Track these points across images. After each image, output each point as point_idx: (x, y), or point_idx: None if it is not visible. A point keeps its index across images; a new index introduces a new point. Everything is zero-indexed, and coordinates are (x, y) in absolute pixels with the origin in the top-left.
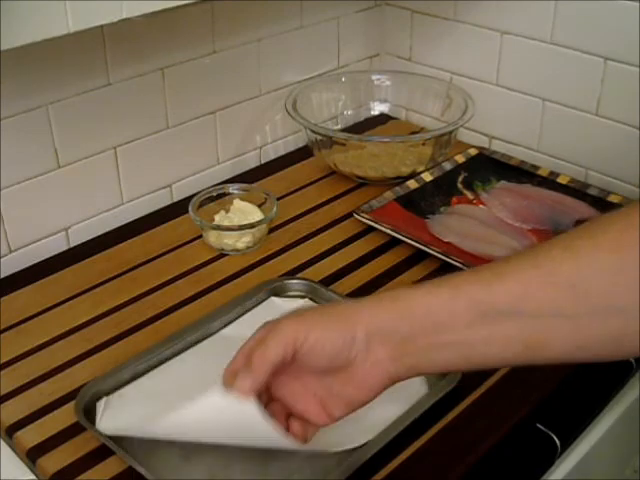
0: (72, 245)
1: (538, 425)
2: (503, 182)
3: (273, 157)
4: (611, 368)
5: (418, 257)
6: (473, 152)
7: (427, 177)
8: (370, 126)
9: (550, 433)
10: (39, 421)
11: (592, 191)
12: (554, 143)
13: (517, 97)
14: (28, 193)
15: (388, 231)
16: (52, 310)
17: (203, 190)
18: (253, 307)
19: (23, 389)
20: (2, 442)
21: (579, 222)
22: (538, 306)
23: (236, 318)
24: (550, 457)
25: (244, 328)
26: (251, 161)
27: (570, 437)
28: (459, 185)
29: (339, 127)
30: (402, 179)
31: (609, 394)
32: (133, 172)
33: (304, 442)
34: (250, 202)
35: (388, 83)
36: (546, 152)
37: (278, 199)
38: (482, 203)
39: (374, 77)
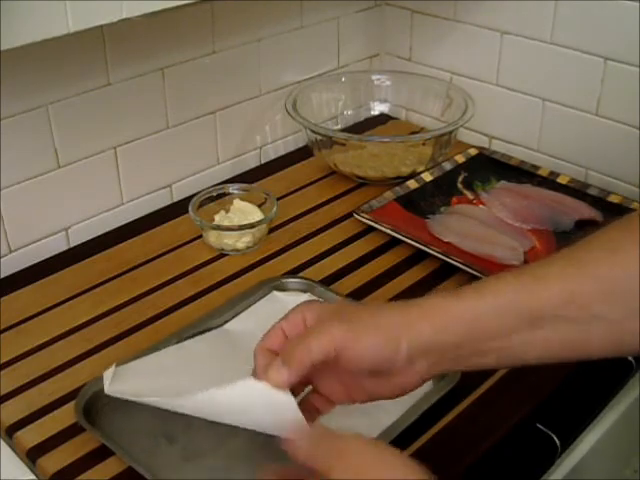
0: (72, 245)
1: (538, 425)
2: (503, 182)
3: (273, 157)
4: (611, 368)
5: (418, 257)
6: (473, 152)
7: (427, 177)
8: (370, 126)
9: (550, 433)
10: (39, 421)
11: (592, 191)
12: (554, 143)
13: (517, 97)
14: (28, 193)
15: (388, 231)
16: (52, 310)
17: (203, 190)
18: (255, 302)
19: (23, 389)
20: (2, 442)
21: (579, 222)
22: (581, 310)
23: (238, 314)
24: (550, 457)
25: (247, 323)
26: (251, 161)
27: (570, 437)
28: (459, 185)
29: (339, 127)
30: (402, 179)
31: (609, 394)
32: (133, 172)
33: (318, 414)
34: (250, 202)
35: (388, 83)
36: (546, 152)
37: (278, 199)
38: (482, 203)
39: (374, 77)
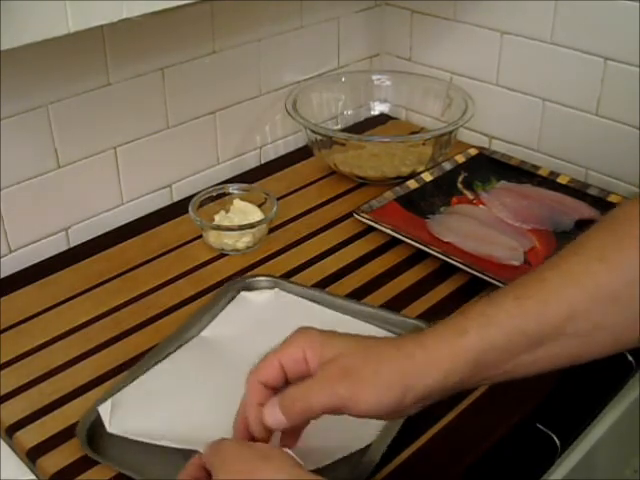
0: (72, 245)
1: (538, 425)
2: (503, 182)
3: (273, 157)
4: (611, 368)
5: (418, 257)
6: (473, 152)
7: (427, 177)
8: (370, 126)
9: (550, 433)
10: (39, 421)
11: (592, 191)
12: (554, 143)
13: (517, 97)
14: (28, 193)
15: (388, 231)
16: (52, 310)
17: (203, 190)
18: (225, 306)
19: (23, 389)
20: (2, 442)
21: (579, 222)
22: (583, 325)
23: (211, 321)
24: (550, 457)
25: (223, 329)
26: (251, 161)
27: (570, 437)
28: (459, 185)
29: (339, 127)
30: (402, 179)
31: (609, 394)
32: (133, 172)
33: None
34: (250, 202)
35: (388, 83)
36: (546, 152)
37: (278, 199)
38: (482, 203)
39: (374, 77)
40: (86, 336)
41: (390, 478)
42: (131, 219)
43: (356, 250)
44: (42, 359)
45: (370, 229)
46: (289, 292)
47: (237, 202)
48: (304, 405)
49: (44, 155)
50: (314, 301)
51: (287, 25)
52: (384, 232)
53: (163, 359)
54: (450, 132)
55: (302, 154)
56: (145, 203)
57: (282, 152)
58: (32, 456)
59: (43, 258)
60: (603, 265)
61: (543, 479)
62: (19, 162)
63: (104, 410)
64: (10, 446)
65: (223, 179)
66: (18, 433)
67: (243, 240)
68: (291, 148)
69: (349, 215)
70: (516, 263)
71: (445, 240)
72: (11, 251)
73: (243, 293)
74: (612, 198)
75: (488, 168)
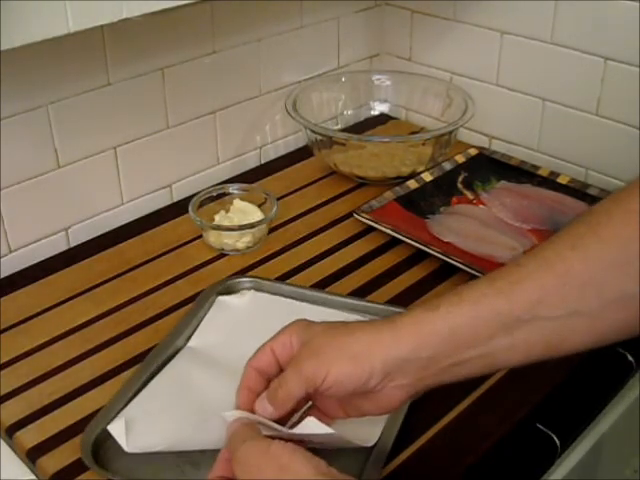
0: (72, 245)
1: (538, 425)
2: (503, 182)
3: (273, 157)
4: (611, 368)
5: (418, 257)
6: (473, 152)
7: (427, 177)
8: (370, 126)
9: (550, 433)
10: (39, 421)
11: (592, 191)
12: (554, 143)
13: (517, 97)
14: (28, 193)
15: (388, 231)
16: (52, 310)
17: (203, 190)
18: (206, 313)
19: (23, 389)
20: (2, 442)
21: None
22: (556, 309)
23: (195, 329)
24: (550, 457)
25: (207, 336)
26: (251, 161)
27: (570, 437)
28: (459, 185)
29: (339, 127)
30: (402, 179)
31: (609, 394)
32: (133, 172)
33: None
34: (250, 202)
35: (388, 83)
36: (546, 152)
37: (278, 199)
38: (482, 203)
39: (374, 77)
40: (86, 336)
41: (390, 478)
42: (131, 219)
43: (356, 250)
44: (42, 359)
45: (370, 229)
46: (267, 292)
47: (237, 202)
48: (284, 391)
49: (44, 155)
50: (292, 298)
51: (287, 25)
52: (384, 232)
53: (157, 373)
54: (450, 132)
55: (302, 154)
56: (145, 203)
57: (282, 152)
58: (32, 456)
59: (43, 258)
60: (575, 252)
61: (543, 479)
62: (19, 162)
63: (117, 430)
64: (10, 446)
65: (223, 179)
66: (18, 433)
67: (243, 240)
68: (291, 148)
69: (349, 215)
70: None
71: (445, 240)
72: (11, 251)
73: (221, 298)
74: None
75: (488, 168)
